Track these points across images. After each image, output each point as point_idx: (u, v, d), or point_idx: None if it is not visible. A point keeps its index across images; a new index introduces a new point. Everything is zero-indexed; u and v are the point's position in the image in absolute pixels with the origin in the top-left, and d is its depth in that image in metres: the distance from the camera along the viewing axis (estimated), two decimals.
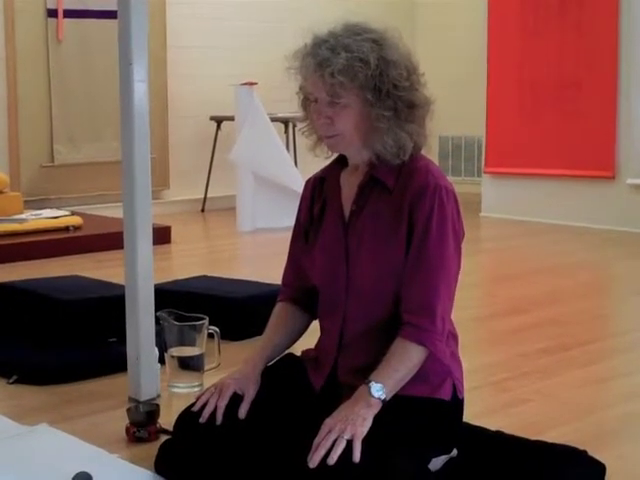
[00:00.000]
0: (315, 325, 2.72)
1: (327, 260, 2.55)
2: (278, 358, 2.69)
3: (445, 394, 2.49)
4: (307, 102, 2.53)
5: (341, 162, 2.61)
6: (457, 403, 2.54)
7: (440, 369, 2.48)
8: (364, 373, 2.39)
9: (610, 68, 7.39)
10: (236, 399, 2.50)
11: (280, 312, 2.72)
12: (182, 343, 3.48)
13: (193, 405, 2.54)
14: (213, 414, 2.47)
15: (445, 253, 2.43)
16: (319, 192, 2.65)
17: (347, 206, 2.55)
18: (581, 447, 2.71)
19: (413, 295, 2.43)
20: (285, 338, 2.69)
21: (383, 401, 2.33)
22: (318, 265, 2.58)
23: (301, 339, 2.75)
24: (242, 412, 2.48)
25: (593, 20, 7.48)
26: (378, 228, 2.48)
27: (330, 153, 2.61)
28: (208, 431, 2.46)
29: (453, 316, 2.53)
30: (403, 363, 2.39)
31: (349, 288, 2.51)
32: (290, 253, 2.74)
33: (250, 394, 2.52)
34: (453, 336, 2.57)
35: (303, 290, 2.69)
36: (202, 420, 2.48)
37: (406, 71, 2.43)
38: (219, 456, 2.42)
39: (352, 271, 2.50)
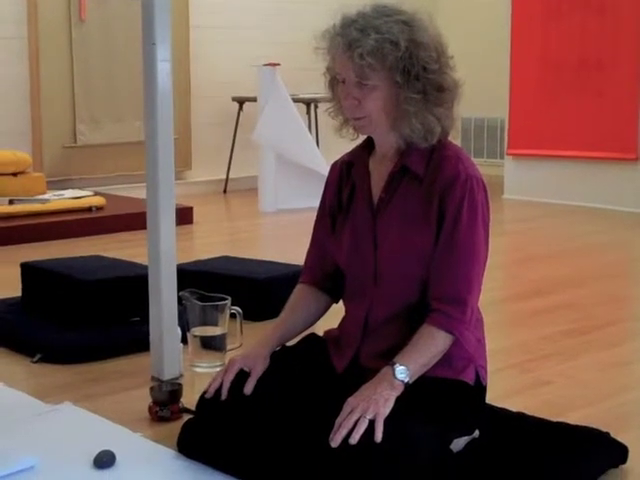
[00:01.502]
0: (338, 306, 2.72)
1: (355, 246, 2.55)
2: (301, 338, 2.71)
3: (468, 378, 2.49)
4: (334, 83, 2.52)
5: (368, 147, 2.60)
6: (480, 389, 2.55)
7: (464, 355, 2.48)
8: (387, 357, 2.39)
9: (633, 49, 7.34)
10: (264, 379, 2.51)
11: (299, 293, 2.72)
12: (205, 323, 3.49)
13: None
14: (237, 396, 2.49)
15: (475, 242, 2.44)
16: (347, 177, 2.63)
17: (376, 193, 2.54)
18: (604, 429, 2.71)
19: (444, 283, 2.43)
20: (301, 319, 2.69)
21: (406, 384, 2.33)
22: (346, 250, 2.58)
23: (325, 319, 2.75)
24: (248, 388, 2.48)
25: (616, 0, 7.42)
26: (407, 216, 2.47)
27: (356, 135, 2.60)
28: (230, 410, 2.47)
29: None
30: (429, 348, 2.39)
31: (377, 275, 2.51)
32: (314, 236, 2.74)
33: (257, 371, 2.52)
34: (479, 321, 2.57)
35: (325, 273, 2.69)
36: (208, 396, 2.50)
37: (436, 53, 2.41)
38: (241, 436, 2.42)
39: (380, 258, 2.50)
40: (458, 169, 2.43)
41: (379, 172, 2.55)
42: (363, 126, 2.49)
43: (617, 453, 2.62)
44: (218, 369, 3.35)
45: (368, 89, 2.41)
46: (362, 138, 2.61)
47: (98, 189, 7.50)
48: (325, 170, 2.74)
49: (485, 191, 2.48)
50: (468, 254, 2.42)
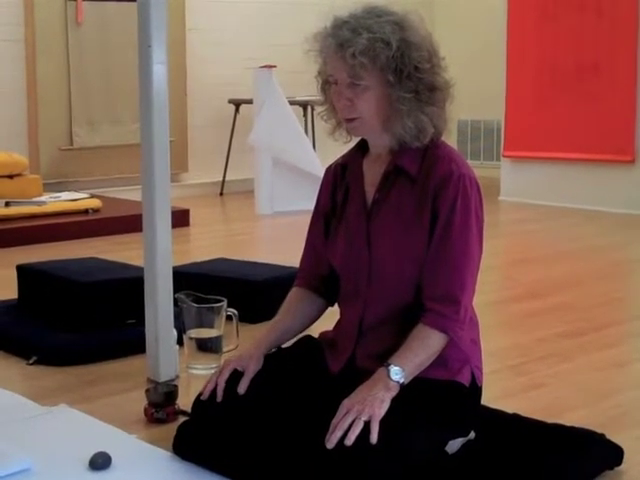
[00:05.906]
0: (333, 308, 2.72)
1: (349, 247, 2.55)
2: (296, 340, 2.71)
3: (464, 380, 2.49)
4: (326, 86, 2.52)
5: (362, 149, 2.60)
6: (475, 390, 2.55)
7: (459, 356, 2.49)
8: (382, 358, 2.39)
9: (630, 51, 7.34)
10: (259, 381, 2.51)
11: (294, 297, 2.72)
12: (200, 325, 3.49)
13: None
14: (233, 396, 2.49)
15: (469, 241, 2.44)
16: (341, 179, 2.63)
17: (370, 194, 2.55)
18: (599, 430, 2.71)
19: (438, 283, 2.43)
20: (296, 322, 2.69)
21: (401, 385, 2.33)
22: (340, 252, 2.58)
23: (321, 321, 2.75)
24: (242, 388, 2.49)
25: (613, 2, 7.42)
26: (401, 216, 2.47)
27: (349, 137, 2.60)
28: (226, 412, 2.47)
29: None
30: (424, 349, 2.40)
31: (371, 275, 2.51)
32: (308, 239, 2.74)
33: (250, 371, 2.52)
34: (473, 322, 2.57)
35: (320, 276, 2.69)
36: (203, 397, 2.51)
37: (427, 53, 2.42)
38: (237, 437, 2.43)
39: (374, 258, 2.50)
40: (451, 168, 2.44)
41: (373, 173, 2.55)
42: (356, 127, 2.49)
43: (612, 454, 2.63)
44: (214, 371, 3.37)
45: (360, 89, 2.41)
46: (355, 140, 2.61)
47: (94, 191, 7.51)
48: (321, 173, 2.74)
49: (478, 190, 2.48)
50: (461, 253, 2.43)
